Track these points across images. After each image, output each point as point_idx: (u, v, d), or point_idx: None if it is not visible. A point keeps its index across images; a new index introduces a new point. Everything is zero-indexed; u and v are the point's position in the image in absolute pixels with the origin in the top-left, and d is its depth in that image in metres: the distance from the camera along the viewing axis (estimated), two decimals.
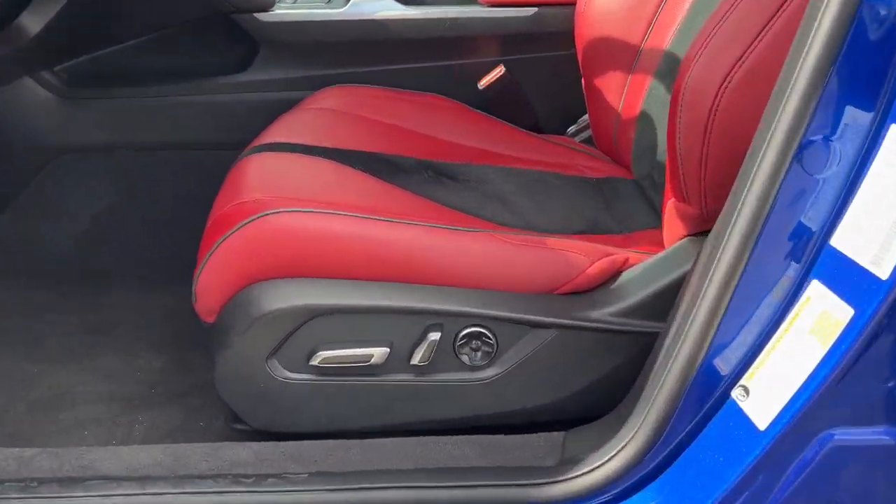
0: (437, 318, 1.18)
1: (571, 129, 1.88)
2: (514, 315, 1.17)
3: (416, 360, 1.19)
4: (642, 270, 1.21)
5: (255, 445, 1.13)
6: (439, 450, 1.11)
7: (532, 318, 1.17)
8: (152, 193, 1.89)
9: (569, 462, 1.06)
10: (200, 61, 1.88)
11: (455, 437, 1.14)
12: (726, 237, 0.95)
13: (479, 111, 1.82)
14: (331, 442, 1.14)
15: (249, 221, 1.18)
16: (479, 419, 1.21)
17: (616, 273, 1.23)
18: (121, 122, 1.85)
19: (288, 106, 1.70)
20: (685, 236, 1.21)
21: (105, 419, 1.47)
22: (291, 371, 1.20)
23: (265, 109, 1.72)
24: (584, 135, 1.86)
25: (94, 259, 1.88)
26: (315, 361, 1.19)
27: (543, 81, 1.88)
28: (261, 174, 1.36)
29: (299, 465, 1.08)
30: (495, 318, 1.18)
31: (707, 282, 0.97)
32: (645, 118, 1.55)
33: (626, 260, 1.25)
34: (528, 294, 1.20)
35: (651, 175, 1.49)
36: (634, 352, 1.18)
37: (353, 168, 1.40)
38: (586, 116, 1.86)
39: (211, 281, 1.22)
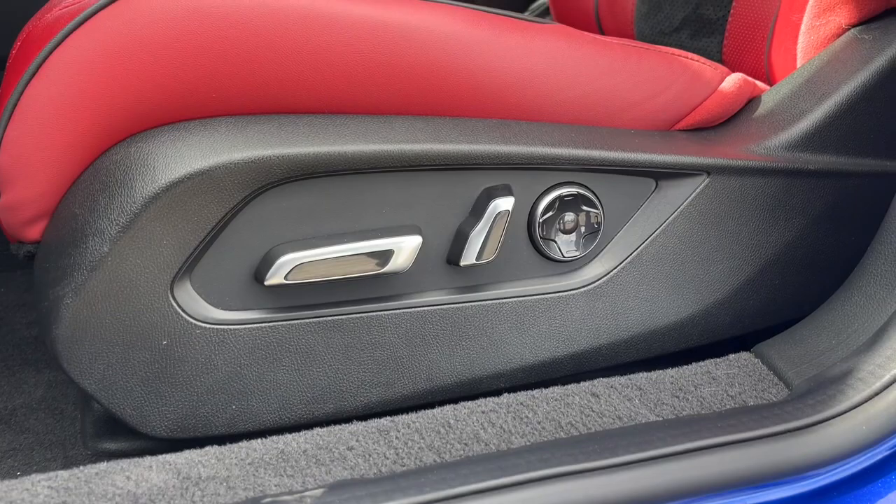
0: (503, 174, 0.63)
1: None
2: (633, 156, 0.65)
3: (470, 255, 0.63)
4: (801, 86, 0.74)
5: (178, 459, 0.51)
6: (560, 407, 0.56)
7: (664, 158, 0.66)
8: None
9: (815, 392, 0.55)
10: None
11: (575, 386, 0.59)
12: None
13: None
14: (339, 428, 0.55)
15: (106, 4, 0.57)
16: (581, 360, 0.67)
17: (754, 97, 0.76)
18: None
19: None
20: (850, 27, 0.77)
21: None
22: (225, 306, 0.60)
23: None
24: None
25: None
26: (274, 279, 0.59)
27: None
28: None
29: (290, 477, 0.48)
30: (601, 168, 0.65)
31: None
32: None
33: (754, 84, 0.78)
34: (639, 130, 0.69)
35: (696, 15, 1.05)
36: (828, 205, 0.70)
37: None
38: (542, 1, 1.42)
39: (29, 145, 0.59)
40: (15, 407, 0.87)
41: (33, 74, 0.57)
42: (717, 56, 0.98)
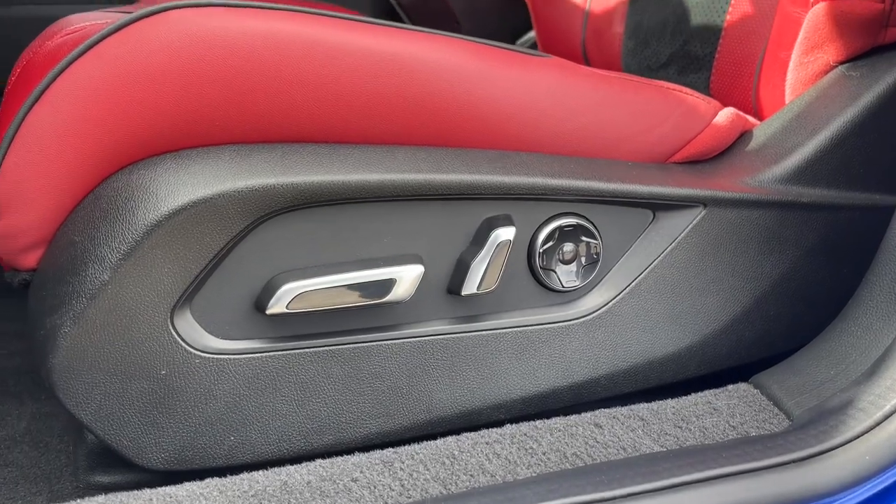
0: (504, 204, 0.64)
1: None
2: (632, 188, 0.66)
3: (471, 285, 0.63)
4: (791, 120, 0.76)
5: (179, 492, 0.50)
6: (564, 438, 0.55)
7: (661, 190, 0.67)
8: None
9: (816, 422, 0.56)
10: None
11: (577, 417, 0.59)
12: None
13: None
14: (341, 459, 0.54)
15: (112, 31, 0.57)
16: (580, 390, 0.67)
17: (746, 131, 0.78)
18: None
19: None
20: (838, 64, 0.79)
21: None
22: (224, 335, 0.59)
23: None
24: None
25: None
26: (276, 308, 0.58)
27: None
28: (99, 15, 0.75)
29: None
30: (600, 199, 0.66)
31: None
32: None
33: (746, 119, 0.80)
34: (636, 163, 0.70)
35: (684, 52, 1.07)
36: (822, 238, 0.71)
37: None
38: (528, 35, 1.44)
39: (29, 172, 0.58)
40: None
41: (35, 100, 0.57)
42: (704, 92, 1.00)
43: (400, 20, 1.36)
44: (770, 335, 0.70)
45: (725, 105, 0.90)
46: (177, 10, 0.58)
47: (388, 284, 0.60)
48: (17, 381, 0.97)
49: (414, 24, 1.38)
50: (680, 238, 0.67)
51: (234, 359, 0.59)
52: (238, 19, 0.59)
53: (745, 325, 0.70)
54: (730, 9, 1.00)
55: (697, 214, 0.67)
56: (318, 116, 0.60)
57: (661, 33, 1.11)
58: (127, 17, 0.58)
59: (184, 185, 0.56)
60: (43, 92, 0.57)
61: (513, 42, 1.44)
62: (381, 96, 0.61)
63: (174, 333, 0.57)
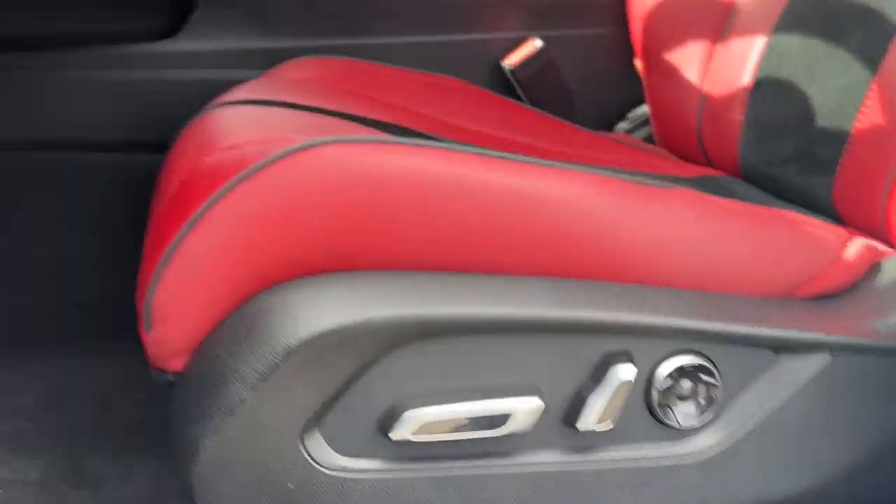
0: (624, 339, 0.65)
1: (622, 125, 1.44)
2: (754, 331, 0.66)
3: (588, 420, 0.64)
4: None
5: None
6: None
7: (785, 334, 0.66)
8: (32, 217, 1.23)
9: None
10: (108, 22, 1.30)
11: None
12: None
13: (508, 98, 1.35)
14: None
15: (269, 163, 0.62)
16: None
17: (874, 263, 0.76)
18: None
19: None
20: None
21: None
22: (352, 455, 0.62)
23: (202, 94, 1.15)
24: (640, 134, 1.43)
25: None
26: (399, 434, 0.61)
27: (581, 65, 1.44)
28: (245, 121, 0.80)
29: None
30: (723, 338, 0.66)
31: None
32: (770, 85, 1.13)
33: (876, 249, 0.78)
34: (759, 298, 0.70)
35: (807, 151, 1.05)
36: None
37: (366, 127, 0.86)
38: (641, 109, 1.44)
39: (184, 288, 0.63)
40: (123, 497, 0.91)
41: (194, 223, 0.62)
42: (825, 196, 0.97)
43: (515, 93, 1.38)
44: (891, 488, 0.68)
45: (851, 219, 0.88)
46: (329, 146, 0.62)
47: (505, 416, 0.62)
48: (141, 435, 1.02)
49: (528, 95, 1.40)
50: (802, 383, 0.66)
51: (356, 477, 0.61)
52: (382, 156, 0.63)
53: (865, 475, 0.68)
54: (859, 115, 0.97)
55: (821, 360, 0.66)
56: (449, 247, 0.63)
57: (784, 128, 1.09)
58: (282, 149, 0.62)
59: (323, 313, 0.60)
60: (201, 216, 0.62)
61: (624, 115, 1.44)
62: (510, 231, 0.63)
63: (303, 451, 0.60)
